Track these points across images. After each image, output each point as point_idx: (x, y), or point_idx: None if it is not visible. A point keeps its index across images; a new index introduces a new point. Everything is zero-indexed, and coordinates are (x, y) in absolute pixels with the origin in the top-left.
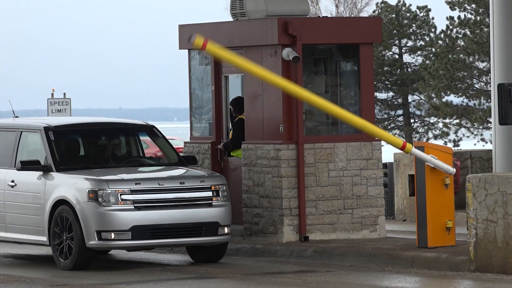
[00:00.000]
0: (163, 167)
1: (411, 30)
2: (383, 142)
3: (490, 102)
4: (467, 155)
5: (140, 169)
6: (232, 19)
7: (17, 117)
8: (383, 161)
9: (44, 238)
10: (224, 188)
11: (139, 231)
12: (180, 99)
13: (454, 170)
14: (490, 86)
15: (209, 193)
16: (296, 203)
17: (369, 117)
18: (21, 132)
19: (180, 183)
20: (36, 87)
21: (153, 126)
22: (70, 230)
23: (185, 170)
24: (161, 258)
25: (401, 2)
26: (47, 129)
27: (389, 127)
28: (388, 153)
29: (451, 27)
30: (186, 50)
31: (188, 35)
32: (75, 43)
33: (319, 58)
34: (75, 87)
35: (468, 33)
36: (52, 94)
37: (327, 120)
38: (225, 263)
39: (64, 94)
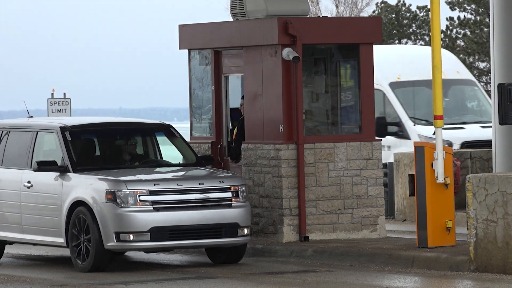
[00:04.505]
0: (181, 167)
1: (411, 30)
2: (383, 142)
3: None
4: (467, 155)
5: (158, 169)
6: (232, 19)
7: (31, 117)
8: (383, 161)
9: (61, 240)
10: (243, 188)
11: (158, 232)
12: (180, 99)
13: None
14: (490, 86)
15: (229, 194)
16: (296, 203)
17: (369, 117)
18: (37, 132)
19: (199, 184)
20: (36, 87)
21: (170, 126)
22: (88, 231)
23: (203, 171)
24: (161, 258)
25: (401, 2)
26: (63, 129)
27: None
28: (388, 153)
29: (451, 27)
30: (186, 50)
31: (188, 35)
32: (75, 43)
33: (319, 58)
34: (75, 87)
35: (468, 33)
36: (52, 94)
37: (327, 120)
38: (225, 263)
39: (64, 94)
